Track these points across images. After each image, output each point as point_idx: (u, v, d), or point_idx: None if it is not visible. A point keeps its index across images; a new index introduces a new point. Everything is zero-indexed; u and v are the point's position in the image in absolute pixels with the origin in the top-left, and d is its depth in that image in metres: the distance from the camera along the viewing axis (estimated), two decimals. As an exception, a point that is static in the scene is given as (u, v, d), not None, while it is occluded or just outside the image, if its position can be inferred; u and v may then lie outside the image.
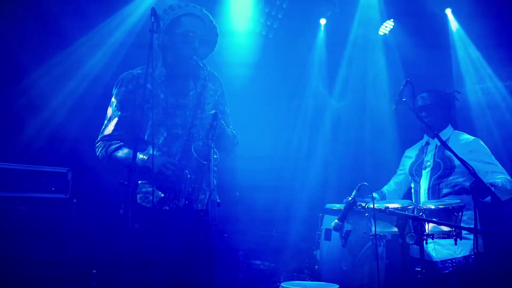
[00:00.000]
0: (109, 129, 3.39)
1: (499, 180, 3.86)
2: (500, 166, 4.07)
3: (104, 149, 3.35)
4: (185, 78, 3.46)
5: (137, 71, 3.45)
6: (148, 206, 3.27)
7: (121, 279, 2.69)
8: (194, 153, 3.11)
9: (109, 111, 3.44)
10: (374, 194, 4.42)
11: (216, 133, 3.07)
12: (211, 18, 3.47)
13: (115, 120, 3.39)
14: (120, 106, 3.39)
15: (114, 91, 3.44)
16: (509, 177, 3.97)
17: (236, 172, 5.33)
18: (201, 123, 3.27)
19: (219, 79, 3.65)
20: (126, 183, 2.71)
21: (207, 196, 3.33)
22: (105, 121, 3.44)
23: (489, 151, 4.16)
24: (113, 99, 3.43)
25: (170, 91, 3.42)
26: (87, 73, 5.09)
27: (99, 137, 3.43)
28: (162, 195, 3.23)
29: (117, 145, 3.33)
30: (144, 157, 3.21)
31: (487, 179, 3.79)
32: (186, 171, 3.17)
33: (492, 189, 3.68)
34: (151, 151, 3.22)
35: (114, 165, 3.33)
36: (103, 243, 4.27)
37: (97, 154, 3.41)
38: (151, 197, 3.27)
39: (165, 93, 3.40)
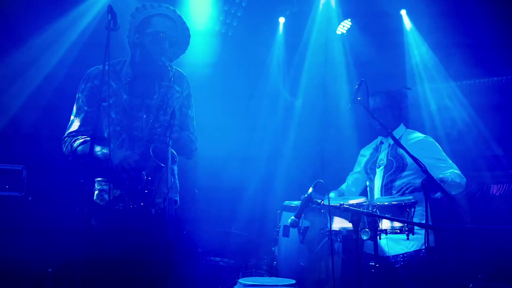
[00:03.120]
0: (75, 124, 3.34)
1: (448, 174, 4.00)
2: (450, 161, 4.22)
3: (70, 144, 3.29)
4: (151, 80, 3.41)
5: (105, 67, 3.40)
6: (103, 204, 3.25)
7: (76, 278, 2.67)
8: (152, 154, 3.09)
9: (76, 107, 3.38)
10: (332, 194, 4.49)
11: (174, 130, 3.07)
12: (184, 20, 3.45)
13: (82, 115, 3.34)
14: (87, 102, 3.34)
15: (81, 87, 3.38)
16: (458, 171, 4.12)
17: (195, 171, 5.34)
18: (162, 125, 3.25)
19: (187, 79, 3.61)
20: (82, 180, 2.69)
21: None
22: (72, 117, 3.39)
23: (439, 147, 4.30)
24: (79, 94, 3.38)
25: (134, 92, 3.38)
26: (41, 71, 5.01)
27: (66, 133, 3.36)
28: (118, 193, 3.22)
29: (82, 140, 3.28)
30: (105, 150, 3.17)
31: (437, 175, 3.93)
32: (143, 172, 3.15)
33: (442, 184, 3.80)
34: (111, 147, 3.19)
35: (79, 161, 3.29)
36: (58, 241, 4.21)
37: (63, 150, 3.35)
38: (106, 195, 3.25)
39: (128, 94, 3.35)
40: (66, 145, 3.33)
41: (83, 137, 3.31)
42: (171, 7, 3.39)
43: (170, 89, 3.30)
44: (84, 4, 5.27)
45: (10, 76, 4.81)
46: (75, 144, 3.27)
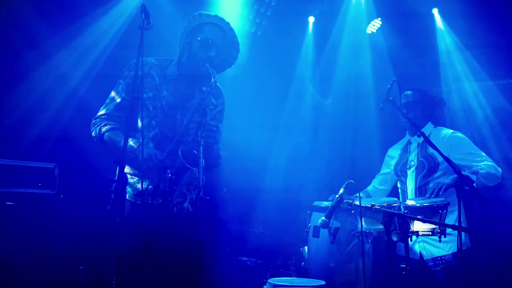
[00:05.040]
0: (109, 108, 3.44)
1: (481, 166, 3.93)
2: (482, 153, 4.12)
3: (99, 127, 3.37)
4: (192, 83, 3.50)
5: (151, 60, 3.51)
6: (128, 198, 3.28)
7: (107, 275, 2.70)
8: (180, 155, 3.11)
9: (114, 92, 3.48)
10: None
11: (208, 129, 3.09)
12: (235, 34, 3.54)
13: (118, 101, 3.44)
14: (126, 89, 3.44)
15: (124, 74, 3.49)
16: (492, 163, 4.03)
17: (224, 170, 5.33)
18: (195, 127, 3.26)
19: (224, 97, 3.69)
20: (115, 179, 2.71)
21: (187, 200, 3.38)
22: (107, 100, 3.48)
23: (469, 141, 4.20)
24: (120, 81, 3.48)
25: (175, 92, 3.46)
26: (75, 72, 5.09)
27: (98, 114, 3.46)
28: (146, 185, 3.24)
29: (112, 126, 3.37)
30: (134, 145, 3.22)
31: (471, 170, 3.86)
32: (168, 170, 3.17)
33: (474, 177, 3.74)
34: (140, 140, 3.24)
35: (104, 146, 3.36)
36: (90, 239, 4.26)
37: (91, 131, 3.44)
38: (130, 189, 3.30)
39: (168, 92, 3.44)
40: (95, 127, 3.41)
41: (113, 123, 3.39)
42: (225, 19, 3.49)
43: (208, 95, 3.35)
44: (117, 6, 5.36)
45: (45, 78, 4.90)
46: (104, 129, 3.35)
